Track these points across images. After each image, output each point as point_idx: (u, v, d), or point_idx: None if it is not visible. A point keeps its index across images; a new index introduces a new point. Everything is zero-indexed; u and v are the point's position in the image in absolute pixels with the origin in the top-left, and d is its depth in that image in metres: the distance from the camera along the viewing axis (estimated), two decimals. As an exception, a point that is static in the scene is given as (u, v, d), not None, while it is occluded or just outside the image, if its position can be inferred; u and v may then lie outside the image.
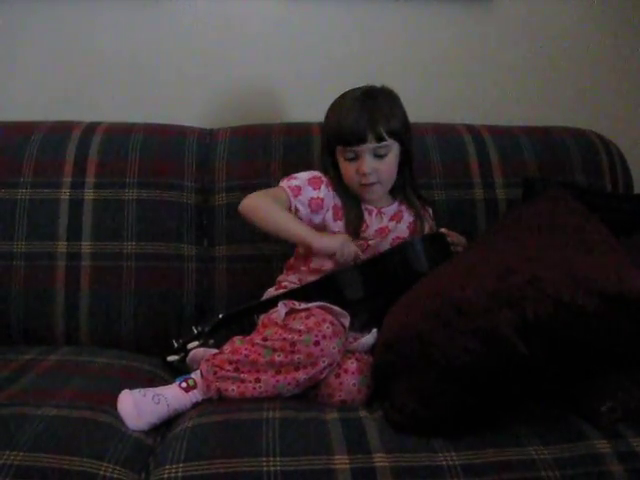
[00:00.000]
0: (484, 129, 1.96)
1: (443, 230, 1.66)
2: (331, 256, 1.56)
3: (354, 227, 1.63)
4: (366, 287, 1.49)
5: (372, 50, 2.12)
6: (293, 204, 1.61)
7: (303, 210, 1.62)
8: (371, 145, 1.58)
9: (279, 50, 2.09)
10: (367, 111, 1.58)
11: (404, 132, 1.63)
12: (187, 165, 1.81)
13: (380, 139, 1.58)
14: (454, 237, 1.64)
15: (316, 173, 1.66)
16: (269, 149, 1.84)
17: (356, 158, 1.60)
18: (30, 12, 2.00)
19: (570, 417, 1.25)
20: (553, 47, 2.19)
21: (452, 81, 2.16)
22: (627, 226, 1.51)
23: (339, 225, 1.64)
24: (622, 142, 2.03)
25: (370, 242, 1.63)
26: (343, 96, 1.65)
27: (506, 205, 1.85)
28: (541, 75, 2.19)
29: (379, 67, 2.09)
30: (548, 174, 1.88)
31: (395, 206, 1.70)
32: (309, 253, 1.62)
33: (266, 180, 1.79)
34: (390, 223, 1.68)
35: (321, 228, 1.63)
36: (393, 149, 1.61)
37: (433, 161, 1.87)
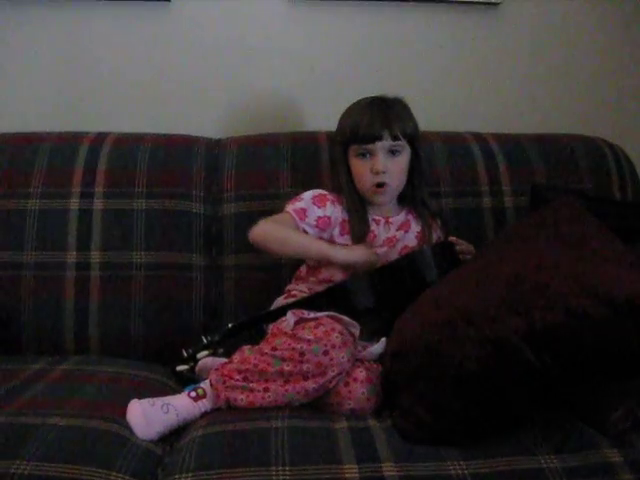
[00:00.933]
0: (491, 137, 1.96)
1: (452, 239, 1.66)
2: (349, 267, 1.57)
3: (360, 237, 1.63)
4: (375, 296, 1.49)
5: (379, 58, 2.12)
6: (300, 227, 1.62)
7: (311, 231, 1.63)
8: (386, 143, 1.61)
9: (286, 59, 2.10)
10: (383, 112, 1.63)
11: (416, 137, 1.67)
12: (196, 175, 1.82)
13: (395, 138, 1.61)
14: (463, 245, 1.65)
15: (320, 191, 1.68)
16: (277, 158, 1.85)
17: (370, 156, 1.62)
18: (38, 22, 2.01)
19: (580, 426, 1.24)
20: (561, 54, 2.19)
21: (459, 89, 2.16)
22: (635, 233, 1.50)
23: (346, 239, 1.64)
24: (630, 149, 2.03)
25: (378, 252, 1.63)
26: (357, 102, 1.68)
27: (514, 213, 1.85)
28: (548, 82, 2.19)
29: (387, 75, 2.10)
30: (556, 182, 1.88)
31: (403, 215, 1.71)
32: (319, 264, 1.63)
33: (275, 189, 1.80)
34: (398, 233, 1.68)
35: (331, 242, 1.64)
36: (405, 151, 1.64)
37: (441, 169, 1.87)
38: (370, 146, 1.61)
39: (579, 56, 2.19)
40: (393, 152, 1.62)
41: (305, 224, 1.62)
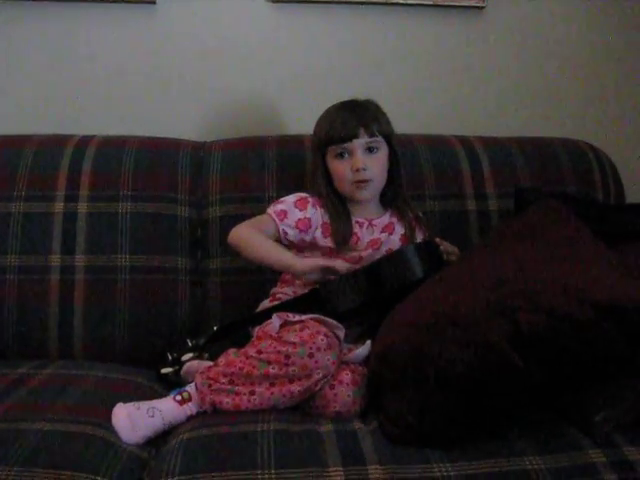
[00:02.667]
0: (476, 140, 1.97)
1: (437, 239, 1.66)
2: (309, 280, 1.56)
3: (343, 240, 1.64)
4: (360, 297, 1.48)
5: (364, 61, 2.13)
6: (280, 228, 1.62)
7: (291, 232, 1.63)
8: (363, 140, 1.61)
9: (272, 63, 2.10)
10: (357, 111, 1.64)
11: (392, 136, 1.68)
12: (181, 178, 1.82)
13: (371, 134, 1.62)
14: (447, 246, 1.65)
15: (302, 194, 1.68)
16: (263, 161, 1.85)
17: (348, 156, 1.62)
18: (22, 24, 2.00)
19: (564, 427, 1.25)
20: (545, 57, 2.20)
21: (444, 92, 2.17)
22: (619, 236, 1.51)
23: (329, 241, 1.64)
24: (613, 152, 2.05)
25: (363, 255, 1.64)
26: (330, 107, 1.69)
27: (498, 216, 1.86)
28: (533, 85, 2.20)
29: (371, 78, 2.11)
30: (540, 184, 1.89)
31: (386, 217, 1.71)
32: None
33: (260, 193, 1.80)
34: (382, 235, 1.68)
35: (312, 246, 1.64)
36: (383, 148, 1.65)
37: (425, 172, 1.88)
38: (347, 144, 1.61)
39: (563, 60, 2.21)
40: (371, 149, 1.63)
41: (284, 225, 1.62)
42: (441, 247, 1.62)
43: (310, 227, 1.64)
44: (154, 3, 2.02)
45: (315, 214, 1.65)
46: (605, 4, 2.20)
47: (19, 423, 1.25)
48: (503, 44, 2.18)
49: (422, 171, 1.88)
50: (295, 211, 1.64)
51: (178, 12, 2.05)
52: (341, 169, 1.63)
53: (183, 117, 2.07)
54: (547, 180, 1.91)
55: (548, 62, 2.20)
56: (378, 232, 1.69)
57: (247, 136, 1.96)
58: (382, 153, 1.65)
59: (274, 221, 1.63)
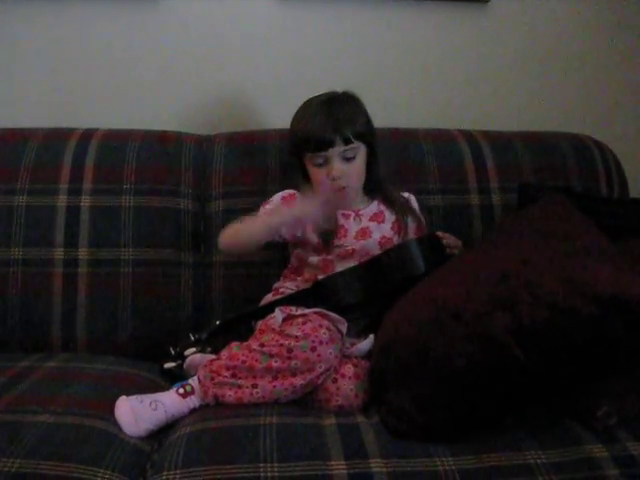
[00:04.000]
0: (480, 134, 1.97)
1: (439, 233, 1.66)
2: (298, 224, 1.56)
3: (326, 237, 1.62)
4: (362, 291, 1.49)
5: (367, 55, 2.12)
6: None
7: (282, 229, 1.62)
8: (339, 148, 1.59)
9: (275, 57, 2.09)
10: (333, 116, 1.60)
11: (369, 134, 1.66)
12: (184, 171, 1.82)
13: (347, 142, 1.59)
14: (450, 239, 1.65)
15: (289, 191, 1.69)
16: (266, 155, 1.85)
17: (325, 163, 1.61)
18: (25, 19, 2.00)
19: (567, 422, 1.25)
20: (549, 52, 2.19)
21: (447, 86, 2.16)
22: (623, 231, 1.51)
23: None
24: (617, 147, 2.04)
25: (356, 248, 1.64)
26: (306, 104, 1.67)
27: (502, 211, 1.85)
28: (537, 80, 2.20)
29: (375, 73, 2.10)
30: (544, 179, 1.88)
31: (374, 206, 1.70)
32: (302, 264, 1.65)
33: (263, 186, 1.80)
34: (371, 224, 1.67)
35: (304, 242, 1.64)
36: (360, 151, 1.63)
37: (429, 167, 1.87)
38: (324, 153, 1.61)
39: (568, 54, 2.20)
40: (348, 159, 1.61)
41: None
42: (444, 241, 1.61)
43: (299, 223, 1.64)
44: (157, -3, 2.03)
45: None
46: (609, -2, 2.19)
47: (22, 416, 1.26)
48: (507, 38, 2.17)
49: (426, 165, 1.87)
50: (283, 208, 1.64)
51: (181, 6, 2.04)
52: (319, 176, 1.63)
53: (186, 111, 2.07)
54: (551, 175, 1.90)
55: (552, 57, 2.20)
56: (366, 220, 1.68)
57: (250, 130, 1.96)
58: (359, 157, 1.63)
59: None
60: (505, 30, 2.17)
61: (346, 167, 1.61)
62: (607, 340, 1.13)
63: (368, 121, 1.67)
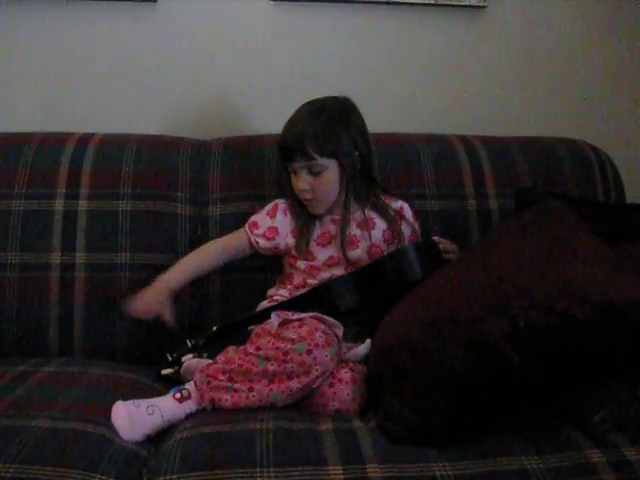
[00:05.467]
0: (476, 139, 1.97)
1: (435, 238, 1.66)
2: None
3: (300, 248, 1.64)
4: (359, 296, 1.49)
5: (365, 60, 2.13)
6: (252, 239, 1.66)
7: (262, 241, 1.66)
8: (302, 163, 1.59)
9: (273, 62, 2.10)
10: (301, 130, 1.59)
11: (343, 153, 1.60)
12: (181, 176, 1.82)
13: (309, 158, 1.58)
14: (447, 245, 1.65)
15: (277, 201, 1.70)
16: (262, 160, 1.85)
17: (295, 173, 1.62)
18: (23, 22, 2.00)
19: (563, 427, 1.25)
20: (546, 57, 2.20)
21: (444, 91, 2.17)
22: (620, 236, 1.51)
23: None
24: (614, 152, 2.04)
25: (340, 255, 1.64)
26: (296, 111, 1.66)
27: (499, 215, 1.86)
28: (534, 85, 2.20)
29: (373, 77, 2.11)
30: (541, 184, 1.89)
31: (360, 214, 1.68)
32: (292, 270, 1.66)
33: (260, 191, 1.80)
34: (356, 231, 1.67)
35: (288, 252, 1.66)
36: (329, 168, 1.60)
37: (426, 172, 1.87)
38: (289, 165, 1.62)
39: (565, 59, 2.21)
40: (314, 173, 1.60)
41: (255, 235, 1.66)
42: (440, 246, 1.62)
43: (278, 234, 1.66)
44: (155, 1, 2.03)
45: (283, 221, 1.66)
46: (606, 3, 2.19)
47: (19, 420, 1.26)
48: (504, 43, 2.18)
49: (422, 170, 1.87)
50: (266, 219, 1.67)
51: (179, 10, 2.05)
52: (293, 183, 1.64)
53: (184, 115, 2.08)
54: (547, 180, 1.91)
55: (549, 62, 2.20)
56: (354, 227, 1.67)
57: (247, 134, 1.96)
58: (328, 173, 1.60)
59: (246, 233, 1.67)
60: (502, 35, 2.18)
61: (312, 180, 1.60)
62: (603, 344, 1.13)
63: (344, 138, 1.60)
